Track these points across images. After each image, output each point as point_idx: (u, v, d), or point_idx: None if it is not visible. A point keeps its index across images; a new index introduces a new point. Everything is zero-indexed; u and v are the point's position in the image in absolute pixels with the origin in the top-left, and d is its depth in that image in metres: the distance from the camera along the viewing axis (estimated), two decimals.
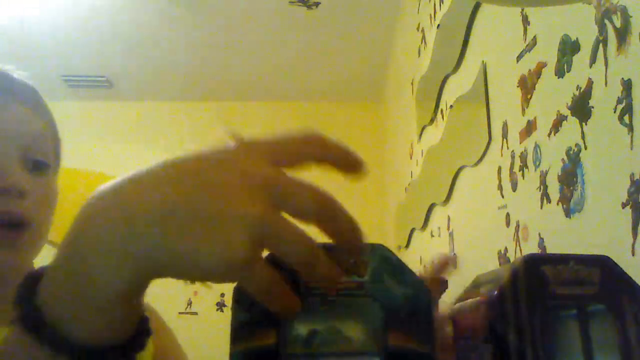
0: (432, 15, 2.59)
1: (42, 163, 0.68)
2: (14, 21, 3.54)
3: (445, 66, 2.33)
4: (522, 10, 1.53)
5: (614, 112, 1.05)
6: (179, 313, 4.29)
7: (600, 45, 1.11)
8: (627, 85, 1.02)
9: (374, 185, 4.23)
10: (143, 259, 0.32)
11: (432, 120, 2.65)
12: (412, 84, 3.13)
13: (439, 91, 2.48)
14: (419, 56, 2.94)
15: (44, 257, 0.54)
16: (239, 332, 0.36)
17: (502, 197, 1.69)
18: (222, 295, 4.36)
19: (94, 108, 4.59)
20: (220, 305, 4.38)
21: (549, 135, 1.35)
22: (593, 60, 1.14)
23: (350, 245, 0.34)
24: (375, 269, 0.37)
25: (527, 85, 1.49)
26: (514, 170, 1.59)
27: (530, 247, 1.45)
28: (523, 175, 1.52)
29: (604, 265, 0.38)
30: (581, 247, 1.17)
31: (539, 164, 1.42)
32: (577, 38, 1.22)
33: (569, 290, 0.37)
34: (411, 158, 3.22)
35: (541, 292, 0.37)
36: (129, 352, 0.35)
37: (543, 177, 1.38)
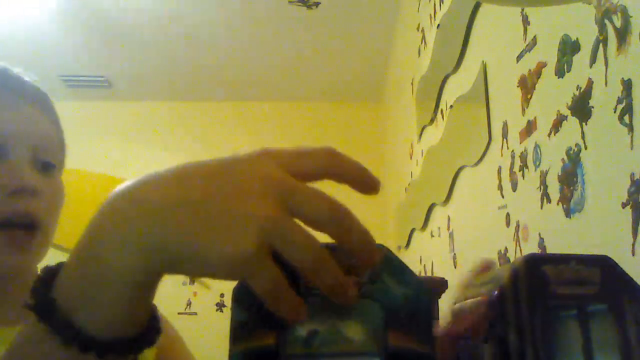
0: (432, 15, 2.59)
1: (50, 164, 0.69)
2: (13, 21, 3.54)
3: (445, 66, 2.33)
4: (522, 10, 1.53)
5: (614, 112, 1.05)
6: (179, 313, 4.29)
7: (601, 45, 1.11)
8: (627, 85, 1.02)
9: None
10: (157, 251, 0.33)
11: (432, 120, 2.65)
12: (412, 84, 3.13)
13: (439, 91, 2.47)
14: (419, 56, 2.94)
15: (49, 259, 0.54)
16: (238, 332, 0.36)
17: (502, 197, 1.69)
18: (222, 295, 4.36)
19: (92, 108, 4.58)
20: (220, 306, 4.39)
21: (549, 135, 1.35)
22: (593, 60, 1.14)
23: (362, 255, 0.34)
24: (376, 269, 0.37)
25: (527, 85, 1.49)
26: (514, 170, 1.59)
27: (530, 247, 1.45)
28: (523, 175, 1.52)
29: (605, 265, 0.38)
30: (581, 247, 1.17)
31: (539, 164, 1.42)
32: (577, 38, 1.22)
33: (569, 290, 0.37)
34: (411, 158, 3.22)
35: (542, 292, 0.37)
36: (137, 347, 0.36)
37: (543, 177, 1.38)
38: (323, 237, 0.34)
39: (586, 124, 1.18)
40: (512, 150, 1.60)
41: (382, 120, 4.56)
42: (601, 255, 0.38)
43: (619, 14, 1.05)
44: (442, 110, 2.48)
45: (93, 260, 0.34)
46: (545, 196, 1.37)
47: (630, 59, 1.02)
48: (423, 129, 2.83)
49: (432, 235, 2.70)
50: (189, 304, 4.40)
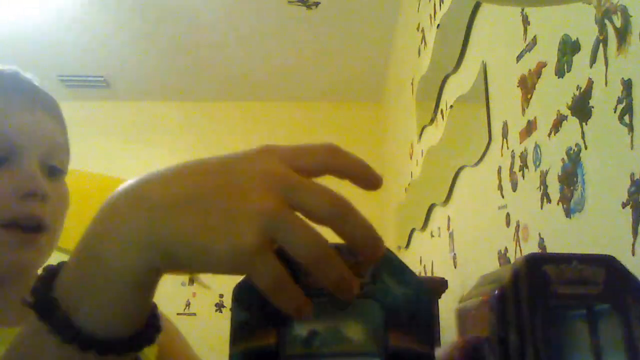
0: (432, 15, 2.59)
1: (58, 169, 0.70)
2: (13, 21, 3.54)
3: (445, 66, 2.33)
4: (522, 10, 1.53)
5: (614, 112, 1.05)
6: (178, 314, 4.29)
7: (601, 45, 1.11)
8: (627, 85, 1.02)
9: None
10: (157, 249, 0.33)
11: (432, 120, 2.65)
12: (412, 84, 3.13)
13: (439, 91, 2.47)
14: (419, 56, 2.94)
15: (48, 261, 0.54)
16: (238, 333, 0.35)
17: (502, 197, 1.69)
18: (221, 296, 4.36)
19: (91, 108, 4.58)
20: (219, 306, 4.38)
21: (549, 135, 1.35)
22: (593, 60, 1.14)
23: (365, 250, 0.34)
24: (376, 269, 0.37)
25: (527, 85, 1.49)
26: (514, 170, 1.59)
27: (531, 247, 1.45)
28: (523, 175, 1.52)
29: (609, 265, 0.38)
30: (581, 247, 1.17)
31: (539, 164, 1.41)
32: (577, 38, 1.22)
33: (572, 290, 0.37)
34: (411, 158, 3.22)
35: (543, 292, 0.36)
36: (137, 345, 0.36)
37: (543, 177, 1.38)
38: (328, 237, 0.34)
39: (586, 124, 1.18)
40: (512, 150, 1.60)
41: (382, 120, 4.56)
42: (605, 255, 0.38)
43: (619, 14, 1.05)
44: (442, 110, 2.47)
45: (93, 260, 0.34)
46: (545, 196, 1.37)
47: (630, 59, 1.02)
48: (423, 129, 2.83)
49: (432, 235, 2.70)
50: (188, 304, 4.40)
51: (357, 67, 4.17)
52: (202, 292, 4.36)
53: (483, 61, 1.89)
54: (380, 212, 4.19)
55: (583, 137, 1.19)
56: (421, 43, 2.87)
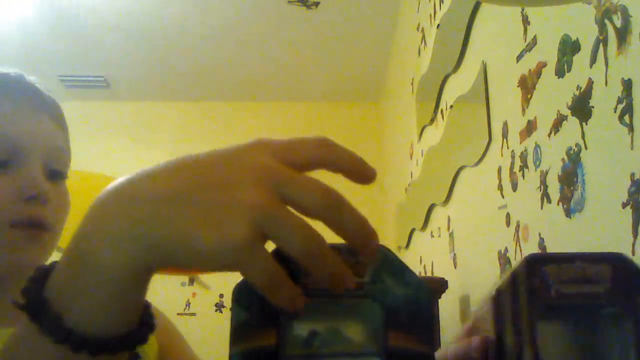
0: (432, 15, 2.59)
1: (60, 173, 0.70)
2: (12, 21, 3.54)
3: (445, 66, 2.33)
4: (522, 10, 1.53)
5: (614, 112, 1.05)
6: (178, 314, 4.29)
7: (601, 45, 1.11)
8: (628, 85, 1.02)
9: (374, 185, 4.23)
10: (148, 245, 0.33)
11: (432, 120, 2.65)
12: (412, 84, 3.13)
13: (439, 91, 2.47)
14: (419, 56, 2.94)
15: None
16: (238, 333, 0.35)
17: (502, 197, 1.69)
18: (221, 296, 4.36)
19: (91, 108, 4.58)
20: (219, 306, 4.38)
21: (549, 135, 1.35)
22: (593, 60, 1.14)
23: (359, 244, 0.34)
24: (376, 269, 0.37)
25: (527, 85, 1.49)
26: (514, 170, 1.59)
27: (531, 247, 1.45)
28: (523, 175, 1.52)
29: (617, 263, 0.36)
30: (582, 247, 1.17)
31: (539, 164, 1.41)
32: (577, 38, 1.22)
33: (575, 289, 0.36)
34: (411, 158, 3.22)
35: (542, 291, 0.36)
36: (130, 344, 0.35)
37: (543, 177, 1.38)
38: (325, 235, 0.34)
39: (586, 124, 1.18)
40: (512, 150, 1.60)
41: (382, 120, 4.56)
42: (613, 253, 0.36)
43: (619, 14, 1.05)
44: (442, 110, 2.47)
45: (83, 259, 0.34)
46: (546, 196, 1.37)
47: (630, 59, 1.02)
48: (423, 129, 2.83)
49: (432, 236, 2.70)
50: (187, 304, 4.40)
51: (357, 67, 4.17)
52: (202, 292, 4.36)
53: (483, 61, 1.89)
54: (380, 212, 4.19)
55: (583, 137, 1.19)
56: (421, 43, 2.87)
